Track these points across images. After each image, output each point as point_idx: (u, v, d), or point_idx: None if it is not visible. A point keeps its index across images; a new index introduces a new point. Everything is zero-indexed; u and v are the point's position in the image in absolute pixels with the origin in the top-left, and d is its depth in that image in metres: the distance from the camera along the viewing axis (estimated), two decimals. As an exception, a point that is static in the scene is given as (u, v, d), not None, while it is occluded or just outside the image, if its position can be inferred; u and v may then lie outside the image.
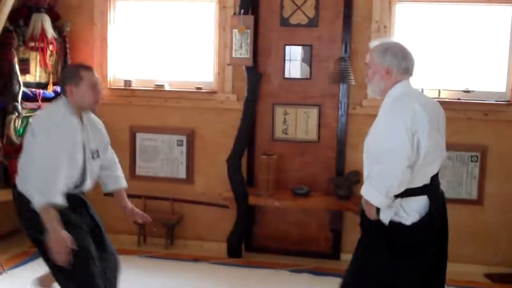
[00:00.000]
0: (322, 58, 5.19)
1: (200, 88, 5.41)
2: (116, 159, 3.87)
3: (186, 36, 5.54)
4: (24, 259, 5.04)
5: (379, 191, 2.92)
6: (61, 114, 3.33)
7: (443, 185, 3.23)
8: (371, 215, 3.04)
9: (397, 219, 3.03)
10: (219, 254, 5.36)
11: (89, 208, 3.62)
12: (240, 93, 5.31)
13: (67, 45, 5.42)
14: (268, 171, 5.10)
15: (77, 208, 3.49)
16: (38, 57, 5.23)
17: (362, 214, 3.16)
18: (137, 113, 5.57)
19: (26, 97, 5.10)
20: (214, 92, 5.41)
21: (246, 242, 5.43)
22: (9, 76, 5.03)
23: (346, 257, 5.27)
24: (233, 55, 5.15)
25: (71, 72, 3.47)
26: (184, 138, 5.51)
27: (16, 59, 5.05)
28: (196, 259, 5.22)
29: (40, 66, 5.27)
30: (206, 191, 5.54)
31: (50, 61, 5.29)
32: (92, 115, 3.60)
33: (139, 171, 5.64)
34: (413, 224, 3.01)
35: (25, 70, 5.15)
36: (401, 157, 2.86)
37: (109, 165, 3.77)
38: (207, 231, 5.58)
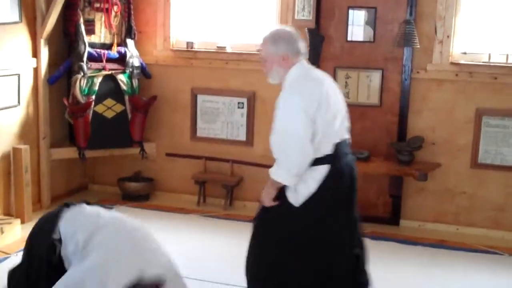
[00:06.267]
0: (386, 20, 5.07)
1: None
2: None
3: (249, -2, 5.52)
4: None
5: (289, 172, 3.00)
6: None
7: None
8: (268, 201, 3.13)
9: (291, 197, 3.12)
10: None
11: None
12: (302, 56, 5.26)
13: (131, 6, 5.47)
14: (328, 135, 5.06)
15: None
16: (103, 18, 5.31)
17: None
18: (199, 75, 5.60)
19: (91, 57, 5.20)
20: (276, 55, 5.36)
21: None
22: (75, 37, 5.15)
23: (405, 223, 5.24)
24: (296, 17, 5.09)
25: None
26: (244, 100, 5.52)
27: (81, 20, 5.16)
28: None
29: (105, 27, 5.35)
30: (266, 153, 5.54)
31: (114, 22, 5.36)
32: None
33: (200, 132, 5.70)
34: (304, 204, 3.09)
35: (90, 31, 5.26)
36: (299, 138, 2.97)
37: None
38: (266, 193, 5.60)
